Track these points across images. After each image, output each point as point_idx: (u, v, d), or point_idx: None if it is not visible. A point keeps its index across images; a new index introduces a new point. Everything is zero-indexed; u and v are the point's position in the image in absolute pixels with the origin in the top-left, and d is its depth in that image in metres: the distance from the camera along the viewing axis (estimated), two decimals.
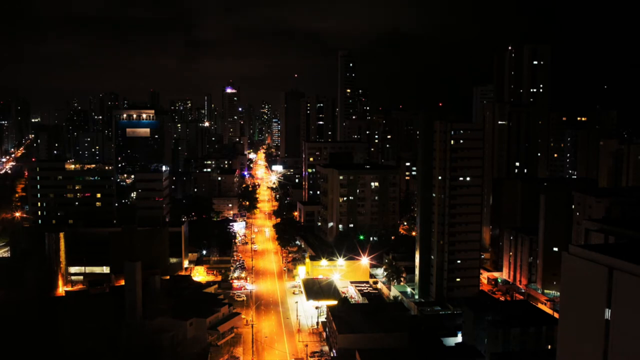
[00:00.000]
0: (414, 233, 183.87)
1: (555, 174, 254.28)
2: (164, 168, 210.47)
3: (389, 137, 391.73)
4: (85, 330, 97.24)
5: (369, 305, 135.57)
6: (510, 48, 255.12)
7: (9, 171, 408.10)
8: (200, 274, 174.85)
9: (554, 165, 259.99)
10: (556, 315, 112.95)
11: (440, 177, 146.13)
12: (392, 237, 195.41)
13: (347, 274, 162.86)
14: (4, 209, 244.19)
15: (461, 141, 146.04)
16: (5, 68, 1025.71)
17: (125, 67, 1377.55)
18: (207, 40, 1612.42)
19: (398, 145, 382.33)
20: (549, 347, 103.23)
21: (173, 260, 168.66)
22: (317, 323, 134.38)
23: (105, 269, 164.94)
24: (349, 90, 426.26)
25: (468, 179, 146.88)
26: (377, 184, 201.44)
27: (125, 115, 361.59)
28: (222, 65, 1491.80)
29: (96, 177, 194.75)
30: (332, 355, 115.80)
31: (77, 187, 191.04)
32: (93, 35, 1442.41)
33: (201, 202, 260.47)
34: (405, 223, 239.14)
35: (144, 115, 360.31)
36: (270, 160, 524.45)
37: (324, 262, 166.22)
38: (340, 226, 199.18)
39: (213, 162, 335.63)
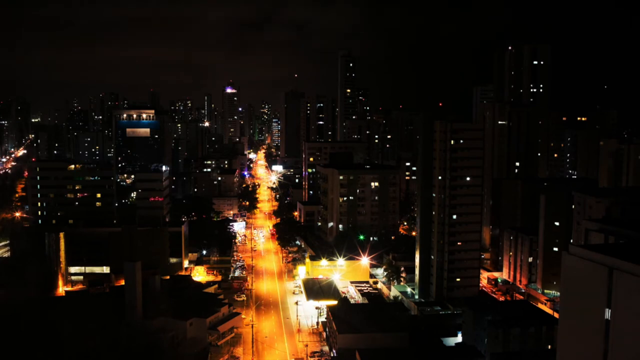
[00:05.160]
0: (414, 233, 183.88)
1: (555, 174, 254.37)
2: (164, 168, 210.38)
3: (389, 137, 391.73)
4: (85, 330, 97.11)
5: (369, 305, 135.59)
6: (510, 48, 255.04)
7: (9, 171, 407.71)
8: (200, 274, 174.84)
9: (554, 165, 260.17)
10: (556, 315, 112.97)
11: (440, 177, 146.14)
12: (392, 237, 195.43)
13: (347, 274, 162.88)
14: (4, 209, 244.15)
15: (461, 141, 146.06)
16: (6, 68, 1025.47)
17: (126, 66, 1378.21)
18: (208, 40, 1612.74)
19: (398, 145, 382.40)
20: (549, 347, 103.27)
21: (173, 260, 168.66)
22: (317, 323, 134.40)
23: (105, 269, 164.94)
24: (349, 90, 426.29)
25: (468, 179, 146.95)
26: (377, 184, 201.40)
27: (125, 115, 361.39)
28: (222, 65, 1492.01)
29: (96, 177, 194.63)
30: (332, 355, 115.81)
31: (77, 187, 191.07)
32: (93, 34, 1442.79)
33: (201, 202, 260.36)
34: (405, 223, 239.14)
35: (144, 115, 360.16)
36: (270, 160, 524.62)
37: (324, 262, 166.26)
38: (340, 226, 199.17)
39: (213, 162, 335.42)
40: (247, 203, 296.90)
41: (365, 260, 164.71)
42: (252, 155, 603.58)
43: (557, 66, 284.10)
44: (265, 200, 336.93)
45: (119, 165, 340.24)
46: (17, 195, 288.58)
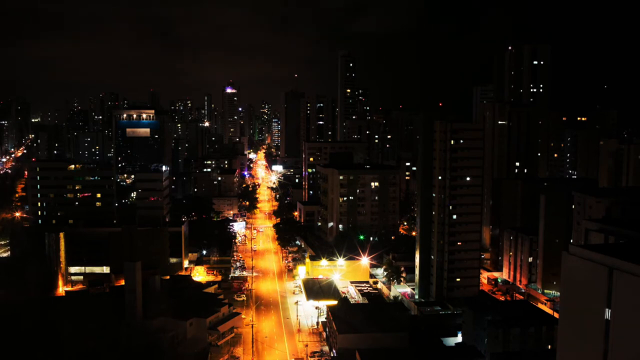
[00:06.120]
0: (414, 233, 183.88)
1: (555, 174, 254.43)
2: (164, 168, 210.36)
3: (389, 137, 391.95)
4: (85, 330, 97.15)
5: (369, 305, 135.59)
6: (510, 48, 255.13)
7: (9, 171, 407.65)
8: (200, 274, 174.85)
9: (554, 165, 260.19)
10: (556, 315, 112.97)
11: (440, 177, 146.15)
12: (392, 237, 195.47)
13: (347, 274, 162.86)
14: (4, 209, 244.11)
15: (461, 141, 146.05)
16: (6, 68, 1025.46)
17: (125, 66, 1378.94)
18: (208, 40, 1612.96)
19: (398, 145, 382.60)
20: (549, 347, 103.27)
21: (173, 260, 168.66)
22: (317, 323, 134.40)
23: (105, 269, 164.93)
24: (349, 90, 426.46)
25: (468, 179, 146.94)
26: (377, 184, 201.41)
27: (125, 115, 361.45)
28: (223, 65, 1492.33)
29: (96, 177, 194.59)
30: (332, 355, 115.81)
31: (77, 187, 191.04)
32: (95, 34, 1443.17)
33: (201, 202, 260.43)
34: (405, 223, 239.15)
35: (144, 115, 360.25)
36: (270, 160, 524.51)
37: (324, 262, 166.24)
38: (340, 226, 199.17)
39: (213, 162, 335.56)
40: (247, 203, 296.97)
41: (365, 260, 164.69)
42: (252, 155, 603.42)
43: (557, 66, 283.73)
44: (265, 200, 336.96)
45: (119, 165, 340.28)
46: (17, 195, 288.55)
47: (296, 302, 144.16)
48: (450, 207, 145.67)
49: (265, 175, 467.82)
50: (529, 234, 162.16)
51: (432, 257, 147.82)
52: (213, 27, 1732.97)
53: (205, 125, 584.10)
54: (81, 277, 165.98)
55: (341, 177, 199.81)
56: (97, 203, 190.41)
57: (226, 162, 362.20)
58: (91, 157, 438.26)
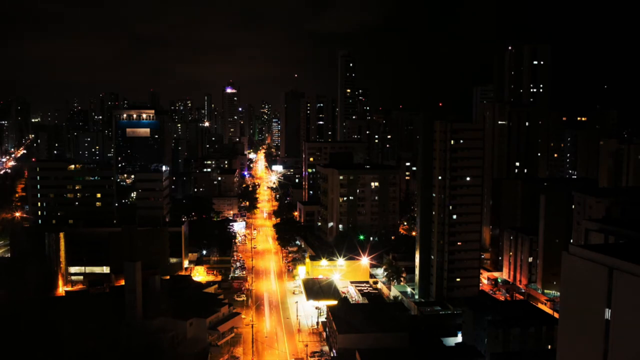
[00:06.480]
0: (414, 233, 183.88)
1: (555, 174, 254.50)
2: (164, 168, 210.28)
3: (389, 137, 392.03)
4: (85, 330, 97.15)
5: (369, 305, 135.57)
6: (510, 48, 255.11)
7: (9, 171, 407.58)
8: (200, 274, 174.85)
9: (554, 165, 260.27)
10: (556, 315, 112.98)
11: (440, 177, 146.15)
12: (392, 237, 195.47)
13: (347, 274, 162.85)
14: (4, 209, 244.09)
15: (461, 141, 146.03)
16: (6, 68, 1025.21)
17: (126, 66, 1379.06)
18: (208, 40, 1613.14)
19: (398, 145, 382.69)
20: (549, 347, 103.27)
21: (173, 260, 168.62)
22: (317, 323, 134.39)
23: (105, 269, 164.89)
24: (349, 90, 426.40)
25: (468, 179, 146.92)
26: (377, 184, 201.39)
27: (125, 115, 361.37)
28: (223, 65, 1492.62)
29: (96, 177, 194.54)
30: (332, 355, 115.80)
31: (77, 187, 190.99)
32: (95, 34, 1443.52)
33: (201, 202, 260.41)
34: (405, 223, 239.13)
35: (144, 115, 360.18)
36: (270, 160, 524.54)
37: (324, 262, 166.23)
38: (340, 226, 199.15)
39: (213, 162, 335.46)
40: (247, 203, 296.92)
41: (365, 260, 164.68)
42: (252, 155, 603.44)
43: (557, 66, 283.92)
44: (265, 200, 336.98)
45: (119, 165, 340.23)
46: (17, 195, 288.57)
47: (296, 302, 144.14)
48: (450, 207, 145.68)
49: (265, 175, 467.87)
50: (529, 234, 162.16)
51: (432, 257, 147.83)
52: (213, 27, 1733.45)
53: (205, 125, 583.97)
54: (81, 277, 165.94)
55: (341, 177, 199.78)
56: (97, 203, 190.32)
57: (226, 162, 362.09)
58: (91, 157, 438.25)
